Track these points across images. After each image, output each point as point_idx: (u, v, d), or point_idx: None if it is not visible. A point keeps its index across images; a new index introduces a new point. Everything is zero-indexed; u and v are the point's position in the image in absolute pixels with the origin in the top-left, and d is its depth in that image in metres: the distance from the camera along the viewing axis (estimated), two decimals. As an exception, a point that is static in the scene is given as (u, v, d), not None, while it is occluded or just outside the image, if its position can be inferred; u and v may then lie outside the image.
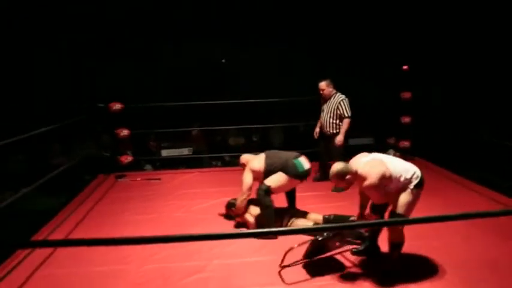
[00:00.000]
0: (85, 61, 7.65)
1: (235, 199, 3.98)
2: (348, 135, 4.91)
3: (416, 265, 3.12)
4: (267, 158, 3.81)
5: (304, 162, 3.75)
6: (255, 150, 6.76)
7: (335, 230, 3.07)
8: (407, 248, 3.30)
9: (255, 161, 3.86)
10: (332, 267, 3.14)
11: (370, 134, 7.06)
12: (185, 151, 6.50)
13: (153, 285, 2.95)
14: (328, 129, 4.94)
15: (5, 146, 3.43)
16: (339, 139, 4.84)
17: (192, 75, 8.77)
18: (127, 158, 5.71)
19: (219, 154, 7.01)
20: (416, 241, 3.41)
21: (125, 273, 3.10)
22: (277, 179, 3.68)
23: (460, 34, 7.26)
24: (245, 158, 4.05)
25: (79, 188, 5.18)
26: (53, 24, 7.17)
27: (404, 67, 6.72)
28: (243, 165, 3.97)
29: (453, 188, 4.96)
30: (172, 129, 6.63)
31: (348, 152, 6.48)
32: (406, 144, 6.13)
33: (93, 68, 7.59)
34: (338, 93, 4.95)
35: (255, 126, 6.99)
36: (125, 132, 5.66)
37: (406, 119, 6.15)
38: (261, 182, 3.78)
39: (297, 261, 3.17)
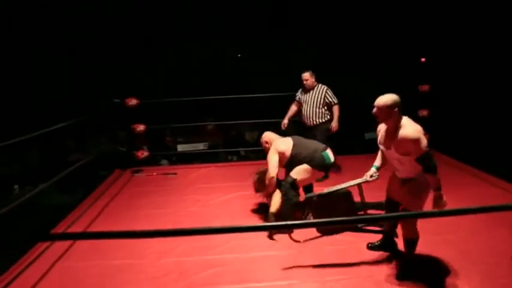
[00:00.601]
0: (85, 61, 7.68)
1: (261, 172, 3.93)
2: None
3: (436, 260, 3.07)
4: (295, 145, 3.74)
5: (331, 155, 3.72)
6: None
7: (350, 223, 3.05)
8: (425, 242, 3.25)
9: (282, 144, 3.78)
10: (348, 261, 3.11)
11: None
12: (201, 146, 6.52)
13: (170, 279, 2.97)
14: (313, 119, 4.97)
15: (21, 143, 3.50)
16: (335, 125, 4.97)
17: (192, 75, 8.75)
18: (143, 153, 5.76)
19: (235, 149, 7.01)
20: (433, 235, 3.37)
21: (141, 267, 3.14)
22: (303, 172, 3.63)
23: (479, 25, 7.08)
24: (268, 136, 3.97)
25: (96, 184, 5.25)
26: (53, 24, 7.22)
27: (422, 59, 6.59)
28: (265, 143, 3.92)
29: (472, 182, 4.85)
30: (188, 124, 6.65)
31: (367, 146, 6.48)
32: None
33: (93, 68, 7.62)
34: (319, 84, 5.01)
35: (269, 120, 6.95)
36: (140, 127, 5.71)
37: (424, 112, 6.04)
38: (283, 167, 3.77)
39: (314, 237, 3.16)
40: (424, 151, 2.58)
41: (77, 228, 3.93)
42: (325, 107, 4.98)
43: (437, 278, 2.84)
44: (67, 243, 3.48)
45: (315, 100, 4.94)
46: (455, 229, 3.48)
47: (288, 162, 3.72)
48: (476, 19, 7.04)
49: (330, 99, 4.96)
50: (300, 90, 5.08)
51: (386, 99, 2.66)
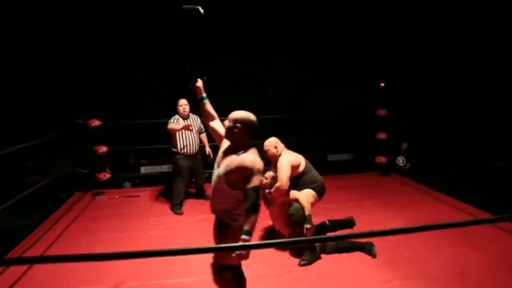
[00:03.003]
0: (85, 61, 7.50)
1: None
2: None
3: (391, 277, 3.17)
4: (307, 165, 3.68)
5: None
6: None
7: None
8: (384, 260, 3.37)
9: (294, 156, 3.63)
10: (310, 285, 3.15)
11: (349, 150, 7.17)
12: (165, 168, 6.44)
13: (131, 304, 2.90)
14: (197, 146, 4.97)
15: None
16: (210, 150, 5.10)
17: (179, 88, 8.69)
18: (105, 175, 5.62)
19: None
20: (392, 253, 3.50)
21: (101, 293, 3.04)
22: (311, 197, 3.58)
23: (435, 50, 7.48)
24: (278, 141, 3.66)
25: (54, 207, 5.07)
26: (53, 24, 7.08)
27: (382, 84, 6.88)
28: (274, 148, 3.59)
29: (429, 202, 5.06)
30: (152, 146, 6.58)
31: (328, 168, 6.62)
32: (382, 160, 6.26)
33: (93, 68, 7.45)
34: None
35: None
36: (103, 148, 5.60)
37: (382, 135, 6.29)
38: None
39: None
40: (256, 185, 2.23)
41: (33, 253, 3.76)
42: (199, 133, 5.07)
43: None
44: (21, 269, 3.33)
45: (194, 127, 4.94)
46: (413, 247, 3.63)
47: (294, 179, 3.57)
48: (432, 44, 7.43)
49: (202, 127, 5.03)
50: (175, 118, 4.87)
51: (246, 115, 2.34)
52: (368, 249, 3.54)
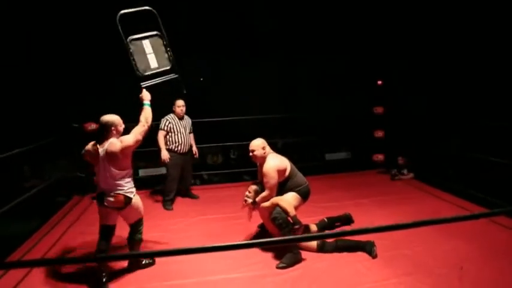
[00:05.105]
0: (81, 65, 7.47)
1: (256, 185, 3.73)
2: None
3: (389, 275, 3.18)
4: (292, 169, 3.65)
5: None
6: (233, 167, 6.86)
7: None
8: (380, 258, 3.38)
9: (279, 160, 3.60)
10: (313, 284, 3.15)
11: (346, 148, 7.17)
12: (162, 170, 6.43)
13: (130, 306, 2.90)
14: (188, 145, 5.18)
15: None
16: (197, 150, 5.37)
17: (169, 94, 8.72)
18: (103, 179, 5.61)
19: (197, 172, 6.97)
20: (391, 251, 3.51)
21: (100, 296, 3.03)
22: (295, 200, 3.57)
23: (430, 48, 7.49)
24: (265, 143, 3.65)
25: (52, 211, 5.05)
26: (49, 27, 7.08)
27: (379, 82, 6.89)
28: (262, 149, 3.60)
29: (426, 199, 5.08)
30: (149, 148, 6.58)
31: (327, 167, 6.62)
32: (380, 157, 6.27)
33: (89, 71, 7.42)
34: None
35: (233, 143, 7.00)
36: (100, 152, 5.58)
37: (379, 133, 6.30)
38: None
39: None
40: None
41: (32, 257, 3.75)
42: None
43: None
44: (21, 273, 3.32)
45: (187, 127, 5.18)
46: (411, 244, 3.63)
47: (279, 184, 3.57)
48: (429, 42, 7.43)
49: (192, 127, 5.28)
50: (169, 119, 5.09)
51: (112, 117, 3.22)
52: (369, 250, 3.52)
